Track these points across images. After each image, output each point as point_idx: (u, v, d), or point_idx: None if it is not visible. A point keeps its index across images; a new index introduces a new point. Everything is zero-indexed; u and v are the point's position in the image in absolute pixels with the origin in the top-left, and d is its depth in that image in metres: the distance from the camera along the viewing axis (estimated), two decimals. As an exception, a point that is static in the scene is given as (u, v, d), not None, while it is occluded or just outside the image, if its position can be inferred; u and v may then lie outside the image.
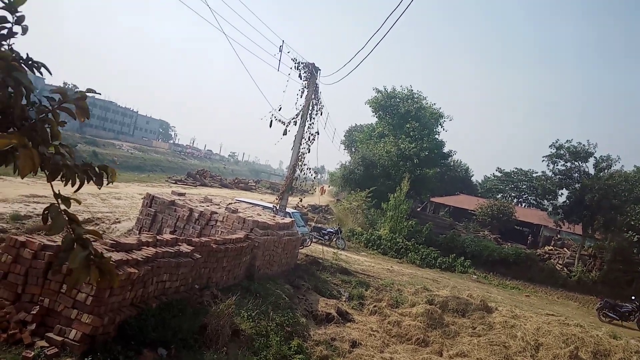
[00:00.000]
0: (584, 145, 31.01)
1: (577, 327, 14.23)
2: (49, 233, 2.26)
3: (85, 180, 2.20)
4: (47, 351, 5.71)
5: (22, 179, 2.22)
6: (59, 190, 2.06)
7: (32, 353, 5.58)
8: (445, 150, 48.60)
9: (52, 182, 2.07)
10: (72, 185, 2.15)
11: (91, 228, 15.28)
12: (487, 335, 13.14)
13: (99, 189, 2.34)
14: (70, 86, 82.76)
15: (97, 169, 2.24)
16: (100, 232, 14.80)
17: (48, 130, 2.09)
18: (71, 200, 2.07)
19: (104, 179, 2.28)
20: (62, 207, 2.05)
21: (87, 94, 2.24)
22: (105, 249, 7.12)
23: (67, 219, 2.04)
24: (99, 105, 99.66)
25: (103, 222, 16.18)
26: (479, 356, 11.88)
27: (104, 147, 64.13)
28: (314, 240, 22.36)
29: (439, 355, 12.18)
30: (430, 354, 12.05)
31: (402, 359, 11.22)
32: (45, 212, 2.04)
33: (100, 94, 2.31)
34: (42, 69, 2.23)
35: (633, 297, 20.28)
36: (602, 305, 20.30)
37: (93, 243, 6.49)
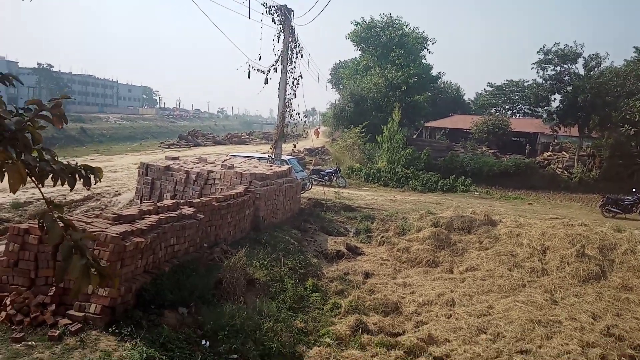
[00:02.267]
0: (571, 46, 30.54)
1: (582, 226, 14.50)
2: (48, 243, 2.33)
3: (74, 182, 2.25)
4: (71, 328, 5.90)
5: (14, 194, 2.31)
6: (50, 198, 2.08)
7: (57, 332, 5.77)
8: (434, 73, 47.90)
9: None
10: (62, 185, 2.19)
11: (92, 204, 15.41)
12: (494, 247, 13.49)
13: (88, 189, 2.41)
14: (45, 66, 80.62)
15: (83, 171, 2.27)
16: (102, 206, 14.94)
17: (29, 136, 2.12)
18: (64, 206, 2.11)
19: (92, 179, 2.33)
20: (56, 214, 2.08)
21: (62, 99, 2.29)
22: (108, 223, 7.19)
23: (62, 225, 2.06)
24: (77, 81, 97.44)
25: (103, 196, 16.25)
26: (488, 267, 12.26)
27: (91, 122, 63.15)
28: (314, 183, 22.50)
29: (450, 272, 12.58)
30: (442, 273, 12.45)
31: (415, 281, 11.60)
32: (40, 221, 2.07)
33: (75, 99, 2.34)
34: (14, 81, 2.27)
35: (634, 190, 20.59)
36: (604, 202, 20.63)
37: (94, 219, 6.51)
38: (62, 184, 2.18)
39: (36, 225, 6.91)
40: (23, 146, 2.06)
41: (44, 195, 2.14)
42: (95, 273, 2.08)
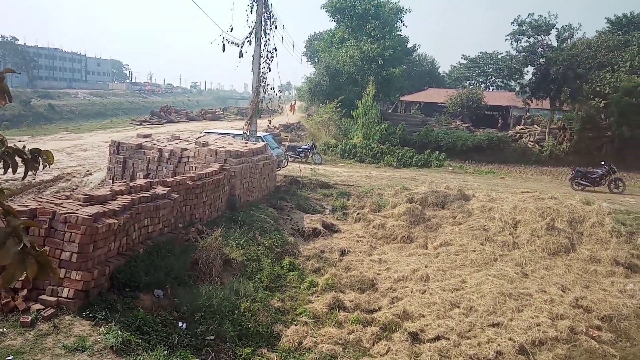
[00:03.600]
0: (545, 17, 30.72)
1: (552, 199, 14.85)
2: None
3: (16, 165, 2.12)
4: (44, 313, 5.80)
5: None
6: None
7: (30, 317, 5.67)
8: (409, 45, 47.73)
9: None
10: (5, 172, 2.08)
11: (63, 184, 15.04)
12: (467, 222, 13.72)
13: (34, 175, 2.30)
14: (9, 39, 77.43)
15: (29, 154, 2.14)
16: (73, 187, 14.59)
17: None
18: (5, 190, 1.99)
19: (40, 164, 2.20)
20: None
21: (4, 74, 2.10)
22: (80, 205, 7.03)
23: (1, 210, 1.95)
24: (44, 55, 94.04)
25: (74, 176, 15.85)
26: (462, 242, 12.50)
27: (59, 98, 61.09)
28: (290, 159, 22.38)
29: (424, 248, 12.78)
30: (416, 249, 12.64)
31: (390, 258, 11.75)
32: None
33: (20, 73, 2.18)
34: None
35: (603, 162, 21.04)
36: (574, 175, 21.04)
37: (65, 201, 6.30)
38: (5, 171, 2.05)
39: None
40: None
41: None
42: (33, 261, 1.91)
